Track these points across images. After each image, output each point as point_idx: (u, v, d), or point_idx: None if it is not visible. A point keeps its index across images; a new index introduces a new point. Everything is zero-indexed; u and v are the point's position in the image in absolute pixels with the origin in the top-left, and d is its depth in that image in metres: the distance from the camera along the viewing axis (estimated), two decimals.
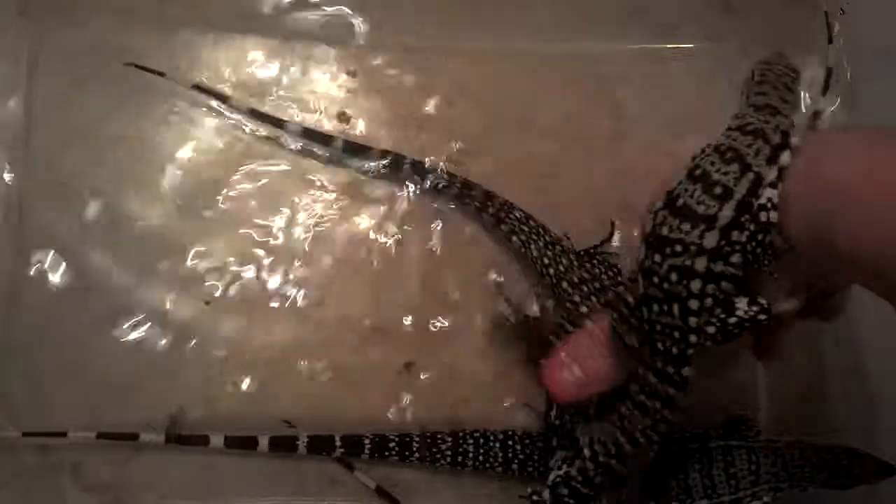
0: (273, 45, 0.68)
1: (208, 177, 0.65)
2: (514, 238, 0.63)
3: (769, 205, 0.38)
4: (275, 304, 0.63)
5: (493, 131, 0.67)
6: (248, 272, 0.64)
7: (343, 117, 0.67)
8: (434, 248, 0.65)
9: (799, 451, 0.55)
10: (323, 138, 0.64)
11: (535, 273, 0.62)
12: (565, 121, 0.68)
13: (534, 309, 0.63)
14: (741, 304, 0.39)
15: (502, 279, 0.64)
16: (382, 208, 0.65)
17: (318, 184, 0.65)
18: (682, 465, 0.54)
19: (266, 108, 0.65)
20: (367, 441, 0.59)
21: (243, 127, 0.66)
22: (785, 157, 0.38)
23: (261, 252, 0.64)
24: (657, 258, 0.39)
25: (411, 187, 0.65)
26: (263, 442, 0.58)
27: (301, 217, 0.65)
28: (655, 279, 0.40)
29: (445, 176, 0.64)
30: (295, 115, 0.66)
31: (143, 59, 0.64)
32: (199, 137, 0.65)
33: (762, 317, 0.39)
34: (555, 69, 0.69)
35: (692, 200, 0.38)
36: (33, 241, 0.63)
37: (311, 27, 0.68)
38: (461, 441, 0.59)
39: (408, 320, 0.63)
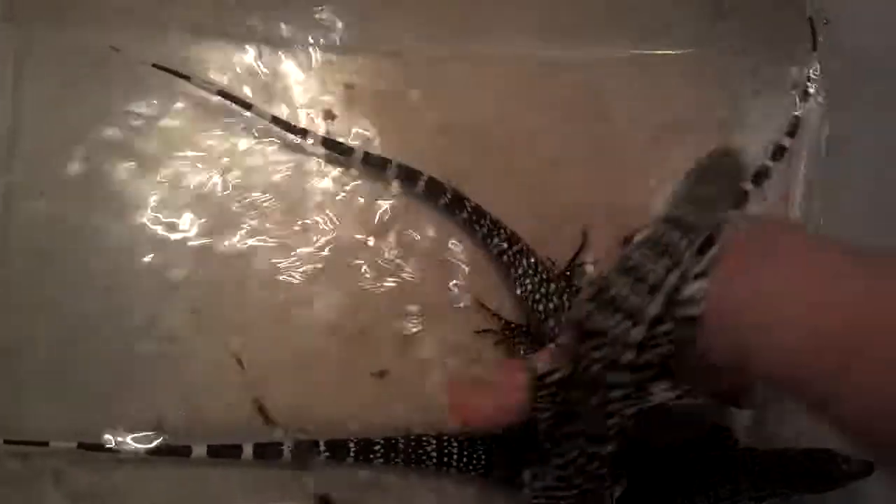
0: (271, 46, 0.67)
1: (207, 180, 0.64)
2: (512, 270, 0.62)
3: (696, 297, 0.37)
4: (257, 311, 0.63)
5: (487, 136, 0.67)
6: (236, 277, 0.63)
7: (328, 114, 0.66)
8: (421, 257, 0.65)
9: (777, 458, 0.55)
10: (342, 148, 0.64)
11: (526, 307, 0.62)
12: (560, 124, 0.68)
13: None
14: (657, 388, 0.40)
15: (482, 291, 0.64)
16: (376, 217, 0.65)
17: (322, 190, 0.65)
18: (659, 477, 0.55)
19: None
20: (351, 444, 0.59)
21: (248, 130, 0.65)
22: (714, 251, 0.38)
23: (250, 257, 0.64)
24: (583, 349, 0.39)
25: (416, 201, 0.65)
26: (248, 450, 0.58)
27: (296, 222, 0.65)
28: (581, 367, 0.40)
29: (454, 198, 0.63)
30: (288, 118, 0.65)
31: (143, 60, 0.62)
32: (198, 139, 0.65)
33: (679, 396, 0.39)
34: (549, 73, 0.69)
35: (621, 293, 0.38)
36: (18, 245, 0.62)
37: (308, 29, 0.67)
38: (446, 444, 0.59)
39: (385, 328, 0.63)
